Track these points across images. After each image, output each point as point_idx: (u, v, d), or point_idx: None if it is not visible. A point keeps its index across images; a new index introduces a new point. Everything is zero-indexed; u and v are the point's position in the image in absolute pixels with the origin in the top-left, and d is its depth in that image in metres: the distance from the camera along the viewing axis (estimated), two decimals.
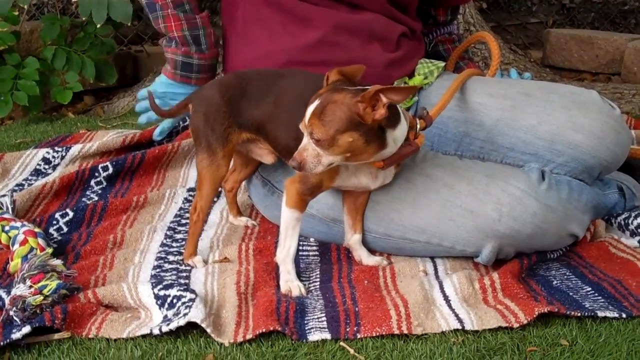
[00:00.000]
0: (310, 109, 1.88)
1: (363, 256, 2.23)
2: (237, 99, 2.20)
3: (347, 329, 1.84)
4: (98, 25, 4.23)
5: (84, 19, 4.30)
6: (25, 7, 4.61)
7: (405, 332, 1.82)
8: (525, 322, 1.85)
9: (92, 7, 4.10)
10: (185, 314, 1.85)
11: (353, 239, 2.24)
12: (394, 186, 2.17)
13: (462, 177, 2.16)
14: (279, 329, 1.82)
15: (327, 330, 1.84)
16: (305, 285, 2.08)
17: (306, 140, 1.90)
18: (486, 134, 2.35)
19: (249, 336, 1.81)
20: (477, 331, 1.85)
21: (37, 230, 2.32)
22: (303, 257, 2.28)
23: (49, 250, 2.20)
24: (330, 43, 2.41)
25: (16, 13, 4.44)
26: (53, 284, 1.99)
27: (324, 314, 1.91)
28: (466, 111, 2.37)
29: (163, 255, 2.29)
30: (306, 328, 1.86)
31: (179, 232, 2.46)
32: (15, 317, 1.92)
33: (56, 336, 1.88)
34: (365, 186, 2.12)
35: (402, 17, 2.54)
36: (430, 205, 2.16)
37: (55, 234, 2.49)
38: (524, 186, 2.11)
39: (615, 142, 2.25)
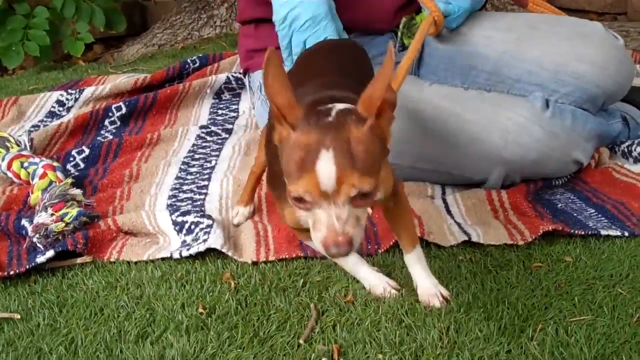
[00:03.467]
0: (330, 167, 1.29)
1: (418, 279, 1.72)
2: None
3: (369, 247, 1.91)
4: None
5: None
6: None
7: (419, 235, 1.85)
8: (530, 239, 1.92)
9: None
10: (205, 240, 1.93)
11: (405, 259, 1.75)
12: (401, 119, 2.18)
13: (468, 107, 2.21)
14: (302, 255, 1.89)
15: None
16: None
17: (338, 210, 1.32)
18: (492, 66, 2.38)
19: (271, 258, 1.89)
20: (484, 249, 1.91)
21: (55, 164, 2.39)
22: None
23: (69, 180, 2.27)
24: None
25: None
26: (74, 211, 2.06)
27: None
28: (472, 45, 2.41)
29: (178, 186, 2.35)
30: None
31: (193, 165, 2.52)
32: (38, 244, 1.99)
33: (78, 260, 1.96)
34: None
35: None
36: (439, 134, 2.20)
37: (73, 170, 2.55)
38: (528, 114, 2.16)
39: (618, 71, 2.29)
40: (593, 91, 2.27)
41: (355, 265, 1.75)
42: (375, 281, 1.73)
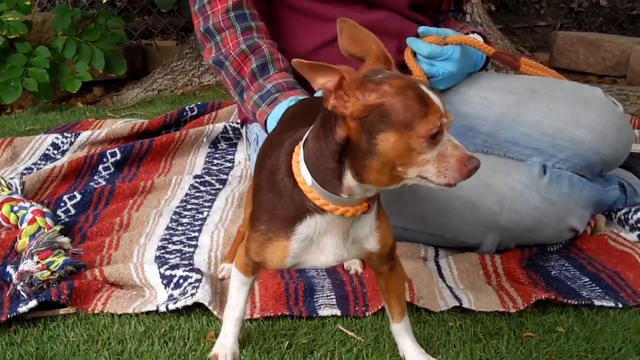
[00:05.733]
0: (438, 96, 1.36)
1: (407, 352, 1.68)
2: None
3: (356, 309, 1.88)
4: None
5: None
6: None
7: (408, 300, 1.84)
8: (523, 307, 1.89)
9: None
10: (192, 294, 1.89)
11: (392, 328, 1.70)
12: None
13: None
14: (287, 313, 1.86)
15: (336, 307, 1.88)
16: None
17: (450, 136, 1.37)
18: (490, 128, 2.36)
19: (256, 316, 1.86)
20: (475, 316, 1.88)
21: (45, 210, 2.36)
22: None
23: (57, 227, 2.24)
24: None
25: (28, 2, 4.48)
26: (60, 260, 2.02)
27: (333, 293, 1.95)
28: (470, 105, 2.38)
29: (168, 237, 2.32)
30: (315, 305, 1.89)
31: (184, 216, 2.49)
32: (22, 292, 1.95)
33: (62, 311, 1.92)
34: (336, 258, 1.52)
35: (419, 16, 2.51)
36: (432, 196, 2.17)
37: (63, 216, 2.52)
38: (525, 180, 2.13)
39: (617, 138, 2.27)
40: (591, 158, 2.25)
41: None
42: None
